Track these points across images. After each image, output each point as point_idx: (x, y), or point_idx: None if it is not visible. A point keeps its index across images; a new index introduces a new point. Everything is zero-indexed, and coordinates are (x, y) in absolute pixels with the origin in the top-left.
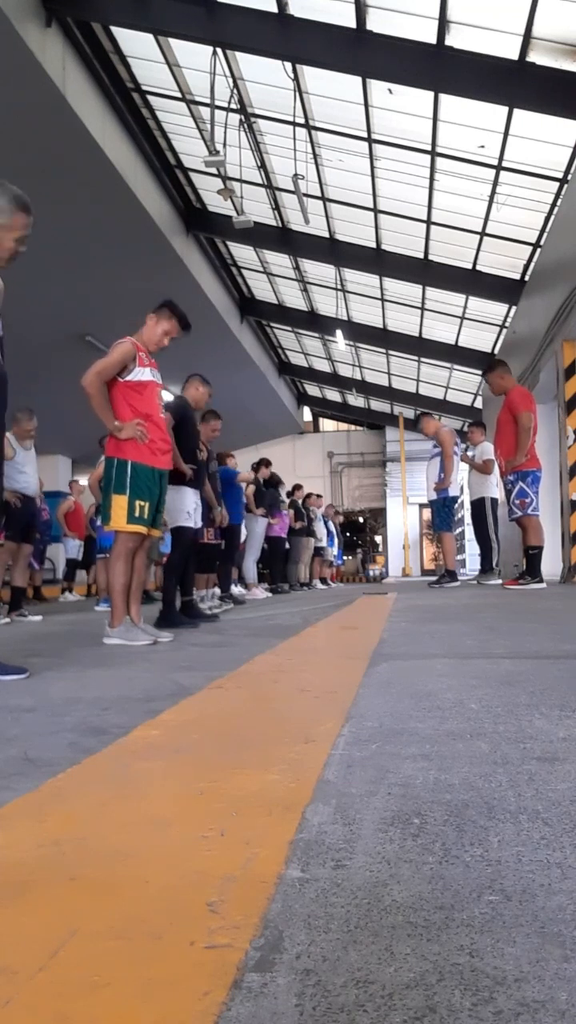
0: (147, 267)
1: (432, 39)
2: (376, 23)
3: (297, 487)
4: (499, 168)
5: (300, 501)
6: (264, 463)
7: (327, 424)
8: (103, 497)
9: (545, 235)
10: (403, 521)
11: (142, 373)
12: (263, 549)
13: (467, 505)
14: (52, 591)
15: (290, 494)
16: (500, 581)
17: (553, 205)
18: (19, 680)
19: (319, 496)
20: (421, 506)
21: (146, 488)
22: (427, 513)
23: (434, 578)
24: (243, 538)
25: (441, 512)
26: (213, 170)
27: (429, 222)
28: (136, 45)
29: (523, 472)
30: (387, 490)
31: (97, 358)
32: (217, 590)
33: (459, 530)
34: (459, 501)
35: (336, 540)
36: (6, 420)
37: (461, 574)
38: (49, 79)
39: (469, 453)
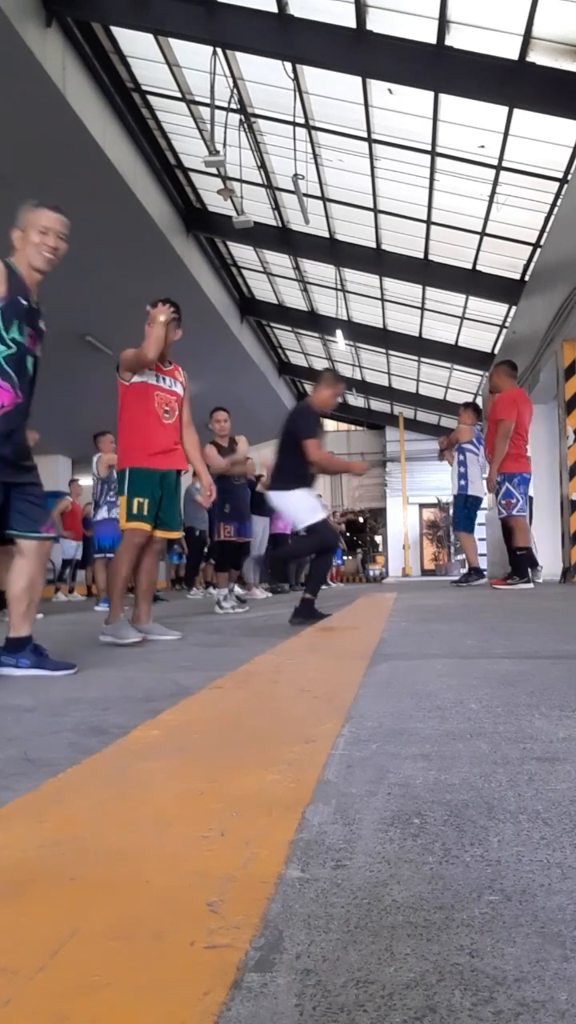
0: (147, 267)
1: (432, 39)
2: (376, 23)
3: None
4: (499, 168)
5: None
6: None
7: (327, 424)
8: None
9: (545, 235)
10: (403, 521)
11: (150, 378)
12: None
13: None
14: (51, 591)
15: None
16: (486, 580)
17: (553, 205)
18: (25, 679)
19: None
20: (421, 506)
21: (144, 487)
22: (427, 513)
23: (455, 577)
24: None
25: (461, 512)
26: (213, 170)
27: (429, 222)
28: (136, 45)
29: (509, 474)
30: (387, 490)
31: (97, 358)
32: (238, 588)
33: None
34: (481, 502)
35: None
36: None
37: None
38: (49, 79)
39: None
